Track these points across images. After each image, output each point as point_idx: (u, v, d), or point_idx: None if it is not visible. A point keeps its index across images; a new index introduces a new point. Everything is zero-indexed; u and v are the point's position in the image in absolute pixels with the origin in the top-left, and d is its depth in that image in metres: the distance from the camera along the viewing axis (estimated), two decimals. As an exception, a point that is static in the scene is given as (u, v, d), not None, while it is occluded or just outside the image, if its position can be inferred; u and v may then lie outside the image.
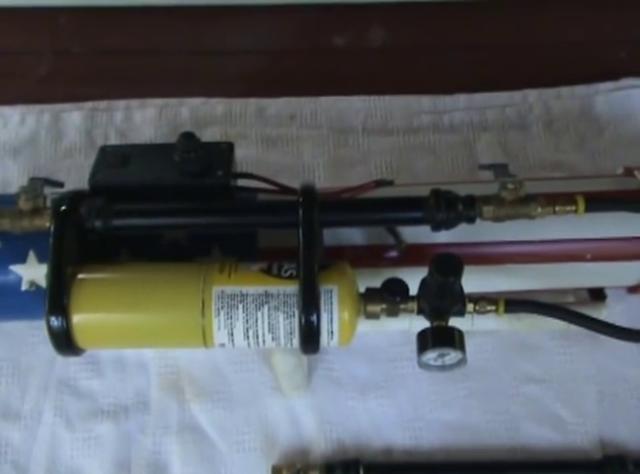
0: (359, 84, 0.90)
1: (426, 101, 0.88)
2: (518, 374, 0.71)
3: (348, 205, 0.60)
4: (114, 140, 0.85)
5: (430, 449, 0.68)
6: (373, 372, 0.71)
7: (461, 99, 0.88)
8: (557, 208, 0.58)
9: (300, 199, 0.57)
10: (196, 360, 0.72)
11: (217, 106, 0.87)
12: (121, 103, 0.87)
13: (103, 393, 0.71)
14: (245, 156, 0.84)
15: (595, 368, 0.71)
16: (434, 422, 0.69)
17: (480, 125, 0.86)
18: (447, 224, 0.58)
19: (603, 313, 0.69)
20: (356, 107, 0.87)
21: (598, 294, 0.70)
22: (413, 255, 0.63)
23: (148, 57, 0.92)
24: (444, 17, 0.94)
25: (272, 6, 0.95)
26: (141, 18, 0.93)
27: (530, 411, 0.69)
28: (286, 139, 0.85)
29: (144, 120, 0.86)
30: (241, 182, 0.66)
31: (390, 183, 0.67)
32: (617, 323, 0.70)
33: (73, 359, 0.64)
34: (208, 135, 0.85)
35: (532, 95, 0.87)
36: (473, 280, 0.64)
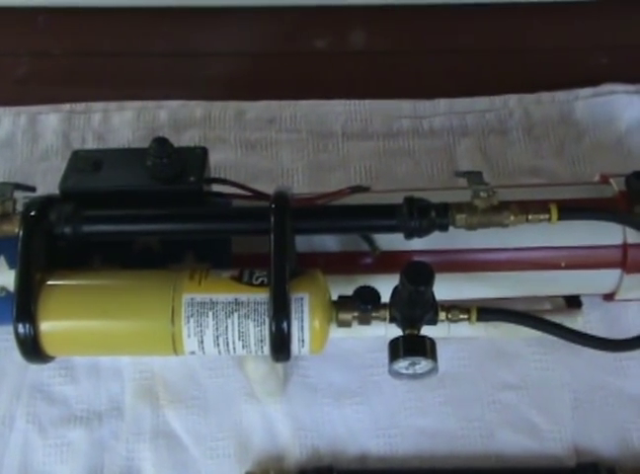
0: (339, 88, 0.90)
1: (406, 105, 0.87)
2: (493, 381, 0.71)
3: (320, 213, 0.60)
4: (91, 143, 0.84)
5: (404, 456, 0.68)
6: (349, 379, 0.71)
7: (441, 103, 0.87)
8: (530, 217, 0.58)
9: (272, 206, 0.57)
10: (170, 366, 0.71)
11: (196, 109, 0.87)
12: (99, 105, 0.87)
13: (76, 399, 0.70)
14: (224, 160, 0.84)
15: (570, 375, 0.71)
16: (409, 428, 0.69)
17: (460, 130, 0.86)
18: (420, 232, 0.58)
19: (579, 320, 0.69)
20: (335, 111, 0.87)
21: (573, 302, 0.70)
22: (387, 262, 0.63)
23: (127, 59, 0.91)
24: (426, 21, 0.94)
25: (253, 9, 0.95)
26: (121, 19, 0.92)
27: (506, 418, 0.69)
28: (265, 143, 0.85)
29: (122, 123, 0.86)
30: (216, 187, 0.66)
31: (366, 189, 0.67)
32: (594, 330, 0.71)
33: (47, 365, 0.63)
34: (187, 138, 0.85)
35: (513, 100, 0.87)
36: (448, 288, 0.65)
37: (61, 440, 0.68)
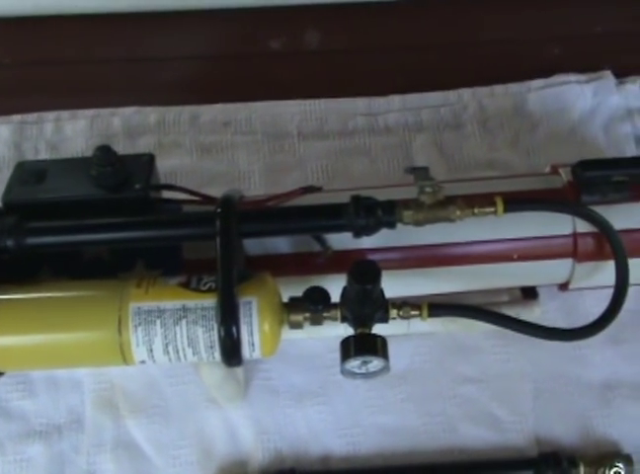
0: (295, 88, 0.89)
1: (361, 103, 0.87)
2: (454, 375, 0.71)
3: (267, 215, 0.59)
4: (44, 153, 0.83)
5: (367, 455, 0.68)
6: (311, 379, 0.71)
7: (396, 100, 0.87)
8: (476, 210, 0.58)
9: (218, 210, 0.56)
10: (130, 375, 0.71)
11: (150, 114, 0.86)
12: (52, 114, 0.85)
13: (35, 413, 0.69)
14: (179, 165, 0.83)
15: (530, 366, 0.71)
16: (371, 427, 0.69)
17: (415, 126, 0.85)
18: (367, 230, 0.58)
19: (536, 311, 0.69)
20: (290, 111, 0.86)
21: (530, 293, 0.70)
22: (340, 261, 0.63)
23: (79, 67, 0.90)
24: (379, 18, 0.94)
25: (205, 11, 0.94)
26: (70, 27, 0.91)
27: (467, 412, 0.69)
28: (221, 146, 0.84)
29: (75, 132, 0.85)
30: (168, 194, 0.66)
31: (318, 189, 0.66)
32: (552, 320, 0.71)
33: (3, 379, 0.63)
34: (142, 145, 0.84)
35: (467, 94, 0.87)
36: (404, 285, 0.65)
37: (21, 456, 0.67)
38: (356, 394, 0.70)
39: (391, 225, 0.58)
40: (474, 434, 0.68)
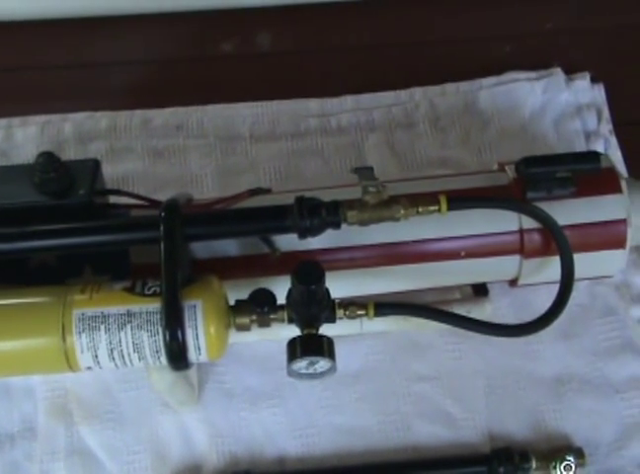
0: (247, 90, 0.89)
1: (313, 104, 0.87)
2: (408, 374, 0.71)
3: (212, 218, 0.59)
4: (-6, 161, 0.82)
5: (322, 455, 0.68)
6: (265, 381, 0.71)
7: (348, 100, 0.87)
8: (420, 209, 0.58)
9: (162, 214, 0.56)
10: (84, 382, 0.70)
11: (102, 119, 0.85)
12: (2, 121, 0.85)
13: (-13, 423, 0.69)
14: (131, 170, 0.83)
15: (483, 363, 0.71)
16: (326, 427, 0.69)
17: (367, 126, 0.86)
18: (312, 231, 0.58)
19: (487, 308, 0.70)
20: (242, 114, 0.86)
21: (480, 290, 0.70)
22: (289, 263, 0.63)
23: (30, 73, 0.90)
24: (329, 19, 0.94)
25: (156, 15, 0.94)
26: (20, 33, 0.91)
27: (421, 409, 0.69)
28: (173, 150, 0.84)
29: (26, 139, 0.84)
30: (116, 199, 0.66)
31: (267, 191, 0.66)
32: (504, 316, 0.72)
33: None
34: (93, 150, 0.84)
35: (418, 93, 0.87)
36: (353, 284, 0.65)
37: (-28, 466, 0.67)
38: (310, 395, 0.70)
39: (336, 225, 0.58)
40: (428, 432, 0.69)
